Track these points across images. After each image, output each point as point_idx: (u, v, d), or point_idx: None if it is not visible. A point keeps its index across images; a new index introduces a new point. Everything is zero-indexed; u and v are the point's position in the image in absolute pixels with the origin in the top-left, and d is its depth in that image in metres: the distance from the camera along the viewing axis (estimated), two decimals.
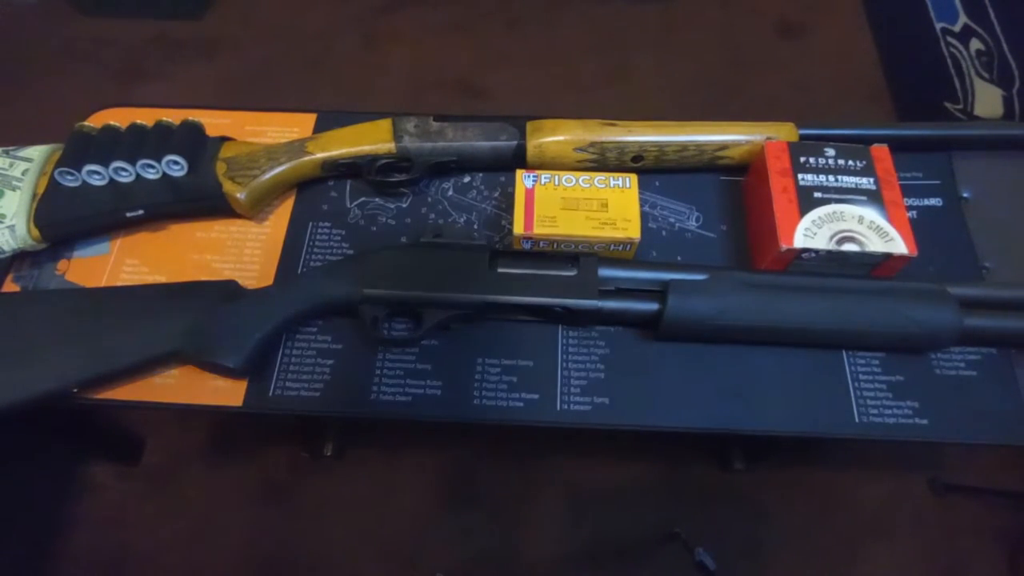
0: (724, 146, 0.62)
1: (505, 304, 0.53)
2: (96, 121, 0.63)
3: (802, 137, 0.61)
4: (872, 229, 0.54)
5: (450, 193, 0.65)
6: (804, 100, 1.42)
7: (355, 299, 0.53)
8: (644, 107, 1.40)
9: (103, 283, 0.59)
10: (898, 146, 0.60)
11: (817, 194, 0.55)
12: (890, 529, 1.00)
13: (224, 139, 0.61)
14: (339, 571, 0.97)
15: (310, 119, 0.68)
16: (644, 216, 0.61)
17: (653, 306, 0.53)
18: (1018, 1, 1.31)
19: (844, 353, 0.56)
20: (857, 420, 0.53)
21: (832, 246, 0.53)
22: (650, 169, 0.63)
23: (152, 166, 0.56)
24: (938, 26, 1.43)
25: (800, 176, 0.56)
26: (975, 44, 1.35)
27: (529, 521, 1.00)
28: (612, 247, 0.56)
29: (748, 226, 0.62)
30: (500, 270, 0.54)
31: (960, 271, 0.60)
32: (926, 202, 0.64)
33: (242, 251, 0.61)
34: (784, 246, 0.53)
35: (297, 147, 0.61)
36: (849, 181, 0.56)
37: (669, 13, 1.56)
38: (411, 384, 0.54)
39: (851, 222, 0.54)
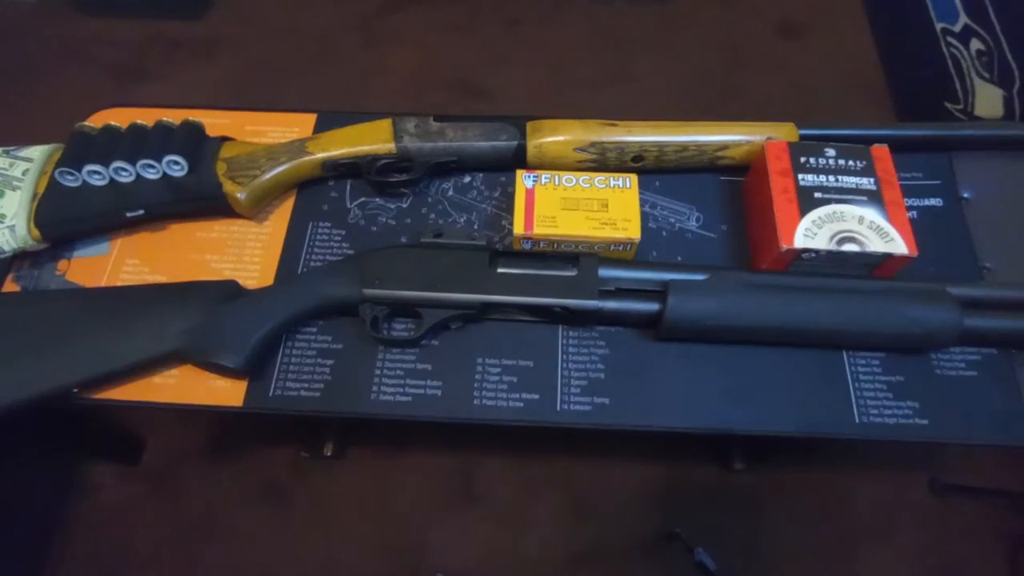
0: (724, 146, 0.62)
1: (505, 304, 0.53)
2: (96, 121, 0.63)
3: (802, 137, 0.61)
4: (872, 229, 0.54)
5: (450, 193, 0.65)
6: (804, 100, 1.41)
7: (355, 299, 0.53)
8: (644, 107, 1.40)
9: (103, 283, 0.59)
10: (898, 146, 0.60)
11: (817, 194, 0.55)
12: (890, 529, 1.00)
13: (224, 139, 0.61)
14: (339, 571, 0.97)
15: (310, 119, 0.68)
16: (644, 216, 0.61)
17: (653, 306, 0.53)
18: (1018, 1, 1.30)
19: (844, 353, 0.56)
20: (857, 420, 0.53)
21: (832, 246, 0.53)
22: (650, 169, 0.63)
23: (152, 166, 0.56)
24: (938, 26, 1.43)
25: (800, 176, 0.56)
26: (975, 44, 1.35)
27: (529, 521, 1.00)
28: (612, 247, 0.56)
29: (748, 226, 0.62)
30: (500, 270, 0.54)
31: (960, 271, 0.60)
32: (926, 202, 0.64)
33: (242, 251, 0.61)
34: (784, 246, 0.53)
35: (297, 147, 0.61)
36: (849, 181, 0.56)
37: (669, 13, 1.56)
38: (411, 384, 0.54)
39: (851, 222, 0.54)
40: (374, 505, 1.02)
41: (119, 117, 0.64)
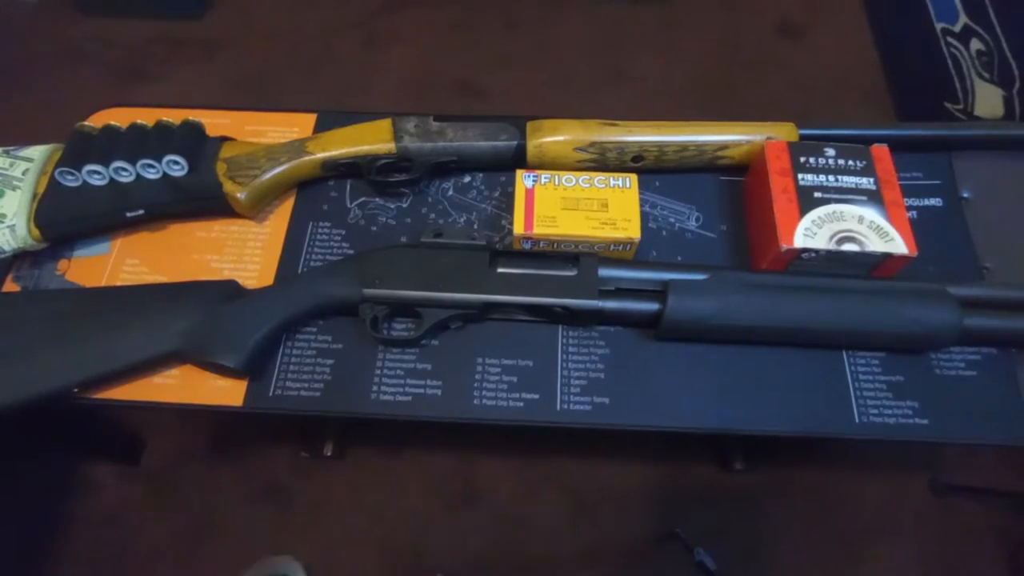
0: (724, 146, 0.62)
1: (505, 304, 0.53)
2: (96, 121, 0.63)
3: (802, 137, 0.61)
4: (872, 229, 0.54)
5: (450, 193, 0.65)
6: (804, 100, 1.42)
7: (355, 299, 0.53)
8: (644, 107, 1.40)
9: (103, 283, 0.59)
10: (898, 146, 0.60)
11: (817, 194, 0.55)
12: (890, 529, 1.00)
13: (224, 139, 0.61)
14: (339, 571, 0.97)
15: (310, 119, 0.68)
16: (644, 216, 0.61)
17: (653, 306, 0.53)
18: (1018, 1, 1.30)
19: (844, 353, 0.56)
20: (857, 420, 0.53)
21: (832, 246, 0.53)
22: (650, 169, 0.63)
23: (152, 166, 0.56)
24: (938, 26, 1.43)
25: (800, 176, 0.56)
26: (975, 44, 1.35)
27: (529, 521, 1.00)
28: (612, 247, 0.56)
29: (748, 226, 0.62)
30: (500, 270, 0.54)
31: (960, 271, 0.60)
32: (926, 202, 0.64)
33: (242, 251, 0.61)
34: (784, 246, 0.53)
35: (297, 147, 0.61)
36: (849, 181, 0.56)
37: (669, 13, 1.56)
38: (411, 384, 0.54)
39: (851, 222, 0.54)
40: (374, 505, 1.02)
41: (119, 117, 0.64)
